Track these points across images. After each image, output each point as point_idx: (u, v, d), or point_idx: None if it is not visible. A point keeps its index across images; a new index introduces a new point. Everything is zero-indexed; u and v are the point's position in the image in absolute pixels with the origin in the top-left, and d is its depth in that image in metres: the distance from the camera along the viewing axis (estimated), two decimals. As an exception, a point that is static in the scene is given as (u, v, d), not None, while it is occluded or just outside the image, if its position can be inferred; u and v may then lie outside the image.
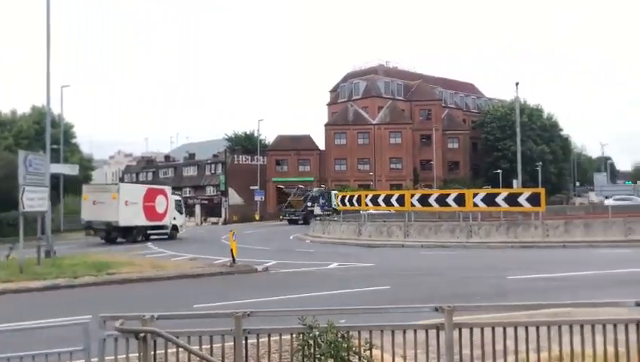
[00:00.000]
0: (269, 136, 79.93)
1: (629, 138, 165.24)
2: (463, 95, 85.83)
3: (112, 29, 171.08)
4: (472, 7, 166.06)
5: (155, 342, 4.72)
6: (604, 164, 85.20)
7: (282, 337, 4.92)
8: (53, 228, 25.35)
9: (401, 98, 74.87)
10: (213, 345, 4.89)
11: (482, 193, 27.16)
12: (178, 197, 39.12)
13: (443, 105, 77.70)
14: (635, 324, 4.60)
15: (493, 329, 4.67)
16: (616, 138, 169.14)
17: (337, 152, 69.97)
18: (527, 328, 4.69)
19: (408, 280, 14.28)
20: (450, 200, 26.93)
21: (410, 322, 5.01)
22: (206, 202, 70.39)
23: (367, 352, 4.65)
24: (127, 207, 32.01)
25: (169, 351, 4.81)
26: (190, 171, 79.55)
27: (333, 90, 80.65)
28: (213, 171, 75.31)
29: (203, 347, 4.80)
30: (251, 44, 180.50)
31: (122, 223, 31.70)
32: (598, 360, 4.64)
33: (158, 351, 4.83)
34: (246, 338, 4.81)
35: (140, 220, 33.19)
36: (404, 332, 4.73)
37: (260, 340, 4.99)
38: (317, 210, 45.03)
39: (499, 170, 67.74)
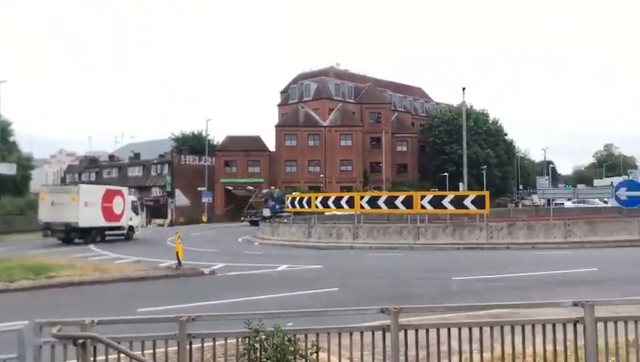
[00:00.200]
0: (217, 137, 79.06)
1: (570, 143, 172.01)
2: (412, 99, 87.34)
3: (55, 21, 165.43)
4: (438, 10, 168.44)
5: (95, 348, 4.54)
6: (546, 167, 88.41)
7: (228, 341, 4.83)
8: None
9: (352, 101, 75.52)
10: (157, 350, 4.75)
11: (429, 195, 27.71)
12: (134, 198, 39.19)
13: (392, 108, 78.86)
14: (572, 324, 4.75)
15: (438, 330, 4.73)
16: (558, 143, 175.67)
17: (288, 154, 69.84)
18: (470, 329, 4.77)
19: (356, 282, 14.36)
20: (398, 202, 27.33)
21: (356, 324, 5.01)
22: (151, 203, 68.79)
23: (314, 355, 4.62)
24: (86, 208, 32.26)
25: (110, 357, 4.64)
26: (135, 171, 77.62)
27: (284, 91, 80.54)
28: (159, 172, 73.75)
29: (146, 352, 4.65)
30: (200, 43, 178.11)
31: (82, 224, 31.88)
32: (538, 359, 4.76)
33: (98, 358, 4.64)
34: (190, 343, 4.69)
35: (99, 221, 33.46)
36: (351, 334, 4.72)
37: (205, 344, 4.89)
38: (266, 212, 44.82)
39: (446, 173, 69.29)
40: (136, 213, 37.67)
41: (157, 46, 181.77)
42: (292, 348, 4.54)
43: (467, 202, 25.50)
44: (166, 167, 71.53)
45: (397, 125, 77.71)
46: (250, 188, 67.61)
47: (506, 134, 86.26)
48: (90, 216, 32.39)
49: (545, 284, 12.79)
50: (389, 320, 4.60)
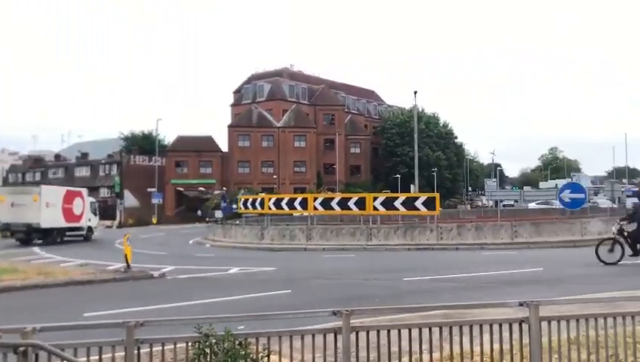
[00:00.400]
0: (168, 137, 77.81)
1: (517, 146, 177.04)
2: (365, 101, 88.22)
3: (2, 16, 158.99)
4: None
5: (37, 356, 4.36)
6: (494, 170, 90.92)
7: (177, 346, 4.73)
8: None
9: (306, 102, 75.68)
10: (103, 356, 4.60)
11: (382, 197, 28.03)
12: (93, 199, 39.78)
13: (346, 110, 79.44)
14: (518, 323, 4.88)
15: (389, 331, 4.77)
16: (505, 146, 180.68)
17: (241, 154, 69.33)
18: (421, 329, 4.83)
19: (309, 284, 14.36)
20: (351, 203, 27.53)
21: (308, 327, 5.00)
22: (100, 204, 67.08)
23: (265, 359, 4.58)
24: (48, 208, 32.58)
25: (53, 365, 4.46)
26: (82, 171, 75.46)
27: (237, 92, 79.96)
28: (107, 172, 71.92)
29: (91, 359, 4.50)
30: (154, 43, 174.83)
31: (44, 225, 32.21)
32: (485, 358, 4.87)
33: (40, 366, 4.46)
34: (139, 349, 4.57)
35: (60, 222, 33.95)
36: (303, 336, 4.71)
37: (154, 349, 4.77)
38: (218, 214, 44.28)
39: (398, 175, 70.32)
40: (95, 214, 38.57)
41: (107, 45, 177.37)
42: (243, 352, 4.48)
43: (418, 204, 25.93)
44: (115, 167, 69.83)
45: (350, 127, 78.34)
46: (202, 189, 66.81)
47: (456, 137, 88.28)
48: (51, 217, 32.84)
49: (493, 284, 13.12)
50: (340, 322, 4.61)
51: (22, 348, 4.27)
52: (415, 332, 4.85)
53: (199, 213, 63.29)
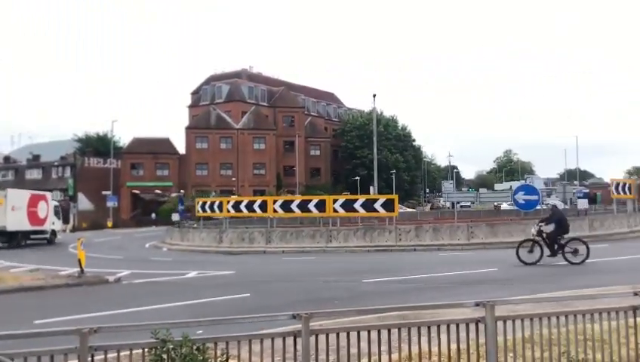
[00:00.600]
0: (124, 138, 76.38)
1: (473, 149, 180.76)
2: (324, 104, 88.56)
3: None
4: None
5: (-18, 366, 4.19)
6: (450, 172, 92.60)
7: (133, 352, 4.62)
8: None
9: (265, 104, 75.40)
10: (55, 365, 4.45)
11: (342, 199, 28.15)
12: (56, 203, 39.98)
13: (306, 112, 79.55)
14: (475, 323, 4.96)
15: (348, 333, 4.78)
16: (460, 149, 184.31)
17: (198, 157, 68.51)
18: (379, 331, 4.86)
19: (268, 287, 14.29)
20: (311, 206, 27.54)
21: (267, 331, 4.96)
22: (54, 207, 65.22)
23: (224, 363, 4.52)
24: (13, 212, 32.71)
25: (0, 375, 4.28)
26: (34, 174, 73.11)
27: (195, 93, 79.05)
28: (60, 174, 69.92)
29: (42, 368, 4.35)
30: (109, 44, 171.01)
31: (10, 228, 32.46)
32: (443, 358, 4.93)
33: (-14, 377, 4.28)
34: (92, 356, 4.44)
35: (25, 225, 34.27)
36: (262, 340, 4.67)
37: (109, 356, 4.65)
38: (175, 217, 43.63)
39: (357, 177, 70.81)
40: (58, 218, 38.93)
41: (59, 43, 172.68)
42: (201, 357, 4.41)
43: (377, 205, 26.14)
44: (68, 169, 68.00)
45: (310, 129, 78.48)
46: (159, 191, 65.76)
47: (414, 140, 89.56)
48: (16, 220, 33.14)
49: (450, 284, 13.33)
50: (300, 326, 4.59)
51: (-33, 359, 4.10)
52: (374, 333, 4.88)
53: (153, 216, 62.28)
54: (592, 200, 61.84)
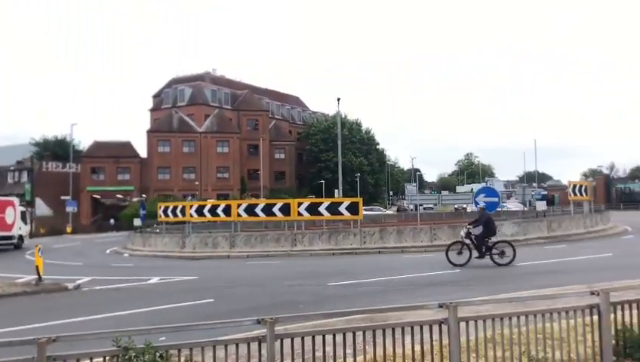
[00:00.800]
0: (84, 142, 74.69)
1: (434, 152, 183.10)
2: (289, 107, 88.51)
3: None
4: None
5: None
6: (413, 175, 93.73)
7: (94, 361, 4.51)
8: None
9: (229, 107, 74.85)
10: (11, 377, 4.31)
11: (307, 203, 28.11)
12: (23, 208, 39.98)
13: (270, 116, 79.32)
14: (438, 325, 5.02)
15: (313, 337, 4.77)
16: (421, 152, 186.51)
17: (161, 160, 67.52)
18: (344, 334, 4.88)
19: (233, 292, 14.17)
20: (276, 209, 27.44)
21: (231, 336, 4.92)
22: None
23: (188, 370, 4.46)
24: None
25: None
26: (-11, 179, 70.83)
27: (157, 96, 77.94)
28: (16, 179, 67.93)
29: (-3, 380, 4.21)
30: (63, 46, 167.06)
31: None
32: (407, 360, 4.98)
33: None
34: (50, 367, 4.32)
35: None
36: (226, 346, 4.62)
37: (68, 366, 4.52)
38: (137, 222, 42.85)
39: (322, 181, 70.97)
40: (25, 223, 39.31)
41: (10, 45, 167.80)
42: (164, 365, 4.35)
43: (342, 208, 26.23)
44: (25, 174, 66.08)
45: (275, 133, 78.29)
46: (120, 196, 64.55)
47: (378, 143, 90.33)
48: None
49: (414, 286, 13.47)
50: (265, 330, 4.57)
51: None
52: (339, 337, 4.89)
53: (112, 221, 61.09)
54: (550, 202, 63.50)
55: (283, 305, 11.27)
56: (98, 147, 66.81)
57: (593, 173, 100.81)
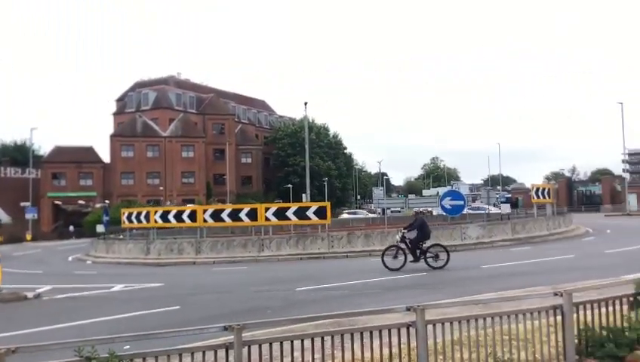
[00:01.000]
0: (44, 147, 72.92)
1: (401, 156, 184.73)
2: (255, 111, 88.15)
3: None
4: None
5: None
6: (380, 179, 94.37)
7: (55, 373, 4.37)
8: None
9: (194, 111, 74.14)
10: (-34, 392, 4.14)
11: (274, 207, 28.00)
12: None
13: (236, 120, 78.86)
14: (406, 327, 5.04)
15: (281, 343, 4.73)
16: (389, 156, 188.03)
17: (124, 165, 66.39)
18: (313, 339, 4.84)
19: (199, 299, 13.98)
20: (242, 214, 27.23)
21: (198, 344, 4.84)
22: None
23: (153, 380, 4.36)
24: None
25: None
26: (-58, 185, 68.39)
27: (120, 100, 76.69)
28: (-27, 185, 65.73)
29: (-49, 395, 4.03)
30: (21, 48, 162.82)
31: None
32: (375, 363, 4.97)
33: None
34: (9, 379, 4.17)
35: None
36: (192, 354, 4.54)
37: (28, 378, 4.37)
38: (100, 228, 41.99)
39: (290, 185, 70.83)
40: None
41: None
42: (128, 375, 4.25)
43: (310, 213, 26.23)
44: (-18, 180, 64.05)
45: (241, 137, 77.86)
46: (82, 202, 63.19)
47: (345, 148, 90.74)
48: None
49: (382, 290, 13.52)
50: (232, 337, 4.50)
51: None
52: (308, 342, 4.85)
53: (71, 228, 59.74)
54: (514, 204, 64.84)
55: (251, 311, 11.17)
56: (59, 152, 65.29)
57: (555, 176, 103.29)
